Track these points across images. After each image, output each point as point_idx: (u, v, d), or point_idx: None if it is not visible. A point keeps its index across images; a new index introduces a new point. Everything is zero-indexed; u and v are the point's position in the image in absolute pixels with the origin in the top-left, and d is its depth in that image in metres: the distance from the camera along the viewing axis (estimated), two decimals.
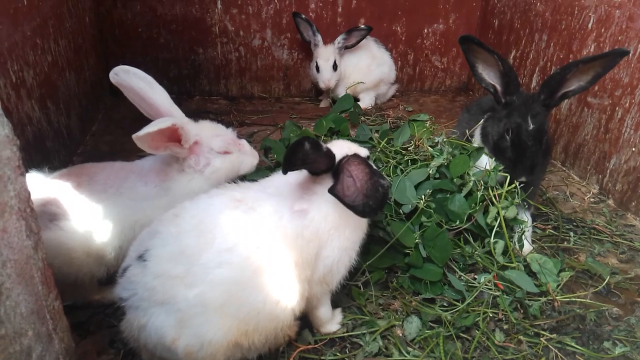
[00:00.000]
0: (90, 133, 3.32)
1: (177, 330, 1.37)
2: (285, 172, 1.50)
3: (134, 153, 3.06)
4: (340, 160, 1.61)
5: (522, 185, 2.16)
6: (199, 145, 1.98)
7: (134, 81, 1.89)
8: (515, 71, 2.20)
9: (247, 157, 2.12)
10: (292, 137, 2.62)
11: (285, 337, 1.63)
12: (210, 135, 2.02)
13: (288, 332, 1.61)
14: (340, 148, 1.70)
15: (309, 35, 3.71)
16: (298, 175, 1.69)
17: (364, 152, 1.79)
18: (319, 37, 3.68)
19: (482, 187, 2.11)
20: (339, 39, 3.68)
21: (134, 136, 1.70)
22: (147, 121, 1.78)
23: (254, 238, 1.48)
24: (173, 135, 1.85)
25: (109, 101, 3.77)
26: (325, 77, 3.66)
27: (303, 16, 3.67)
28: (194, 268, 1.39)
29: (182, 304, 1.37)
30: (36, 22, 2.57)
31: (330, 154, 1.59)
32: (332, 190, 1.54)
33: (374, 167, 1.68)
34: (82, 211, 1.74)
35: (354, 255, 1.73)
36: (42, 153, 2.53)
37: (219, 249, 1.42)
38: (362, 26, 3.69)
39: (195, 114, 2.08)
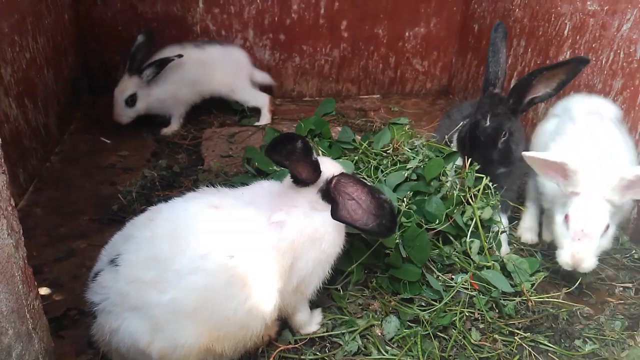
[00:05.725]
0: (68, 132, 3.29)
1: (151, 335, 1.37)
2: (266, 156, 1.48)
3: (112, 152, 3.07)
4: (330, 181, 1.59)
5: (495, 186, 2.22)
6: None
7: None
8: (490, 71, 2.34)
9: None
10: None
11: (263, 339, 1.63)
12: None
13: (268, 332, 1.62)
14: (327, 167, 1.66)
15: None
16: (279, 186, 1.68)
17: (347, 170, 1.75)
18: None
19: (458, 188, 2.15)
20: None
21: None
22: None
23: (229, 246, 1.47)
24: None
25: (88, 100, 3.72)
26: None
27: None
28: (167, 274, 1.38)
29: (155, 310, 1.37)
30: (14, 19, 2.54)
31: (316, 167, 1.57)
32: (337, 217, 1.51)
33: (369, 184, 1.65)
34: None
35: (329, 268, 1.73)
36: (19, 151, 2.50)
37: (192, 255, 1.41)
38: None
39: None
